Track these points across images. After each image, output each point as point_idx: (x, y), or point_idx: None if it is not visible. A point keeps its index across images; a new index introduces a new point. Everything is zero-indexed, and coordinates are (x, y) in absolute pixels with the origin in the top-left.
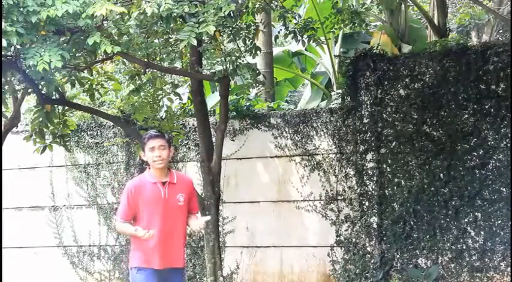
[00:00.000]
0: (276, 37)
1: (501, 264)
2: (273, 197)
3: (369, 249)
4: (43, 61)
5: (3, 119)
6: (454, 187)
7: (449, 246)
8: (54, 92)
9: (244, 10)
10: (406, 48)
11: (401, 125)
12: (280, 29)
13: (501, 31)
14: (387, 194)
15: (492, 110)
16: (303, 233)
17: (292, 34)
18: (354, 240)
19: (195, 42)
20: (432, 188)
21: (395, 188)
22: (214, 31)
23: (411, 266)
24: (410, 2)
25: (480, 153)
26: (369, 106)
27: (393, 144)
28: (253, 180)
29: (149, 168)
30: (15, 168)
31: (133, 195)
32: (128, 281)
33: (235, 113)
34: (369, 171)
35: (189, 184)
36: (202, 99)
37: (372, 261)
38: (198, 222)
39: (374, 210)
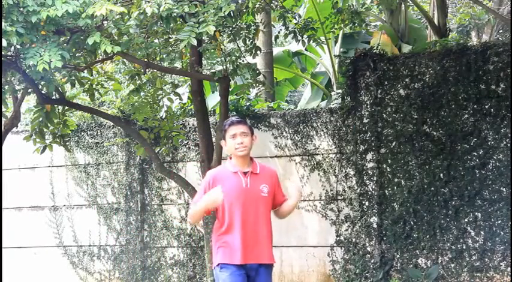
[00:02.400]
0: (276, 37)
1: (501, 264)
2: None
3: (369, 249)
4: (43, 61)
5: (3, 119)
6: (454, 187)
7: (449, 246)
8: (54, 92)
9: (244, 10)
10: (406, 48)
11: (401, 125)
12: (280, 29)
13: (501, 31)
14: (387, 194)
15: (492, 110)
16: (303, 233)
17: (292, 34)
18: (354, 240)
19: (195, 42)
20: (432, 188)
21: (395, 188)
22: (214, 31)
23: (411, 266)
24: (410, 2)
25: (480, 153)
26: (369, 106)
27: (393, 144)
28: None
29: (230, 158)
30: (15, 168)
31: (211, 185)
32: (128, 280)
33: (235, 113)
34: (369, 171)
35: (273, 175)
36: (202, 99)
37: (372, 261)
38: (293, 190)
39: (374, 210)
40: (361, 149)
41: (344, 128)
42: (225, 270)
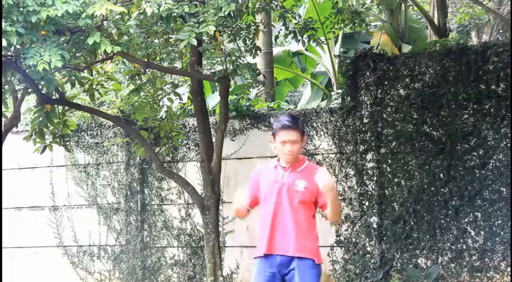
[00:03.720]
0: (276, 37)
1: (501, 264)
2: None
3: (369, 249)
4: (43, 61)
5: (3, 119)
6: (454, 187)
7: (449, 246)
8: (54, 92)
9: (244, 10)
10: (406, 48)
11: (401, 125)
12: (280, 29)
13: (501, 31)
14: (387, 194)
15: (492, 110)
16: None
17: (292, 34)
18: (354, 240)
19: (195, 42)
20: (432, 188)
21: (395, 188)
22: (214, 31)
23: (411, 266)
24: (410, 2)
25: (480, 153)
26: (369, 106)
27: (393, 144)
28: None
29: (278, 159)
30: (15, 168)
31: (256, 178)
32: (128, 280)
33: (235, 113)
34: (369, 171)
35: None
36: (202, 99)
37: (372, 261)
38: (321, 178)
39: (374, 210)
40: (361, 149)
41: (344, 128)
42: (255, 267)
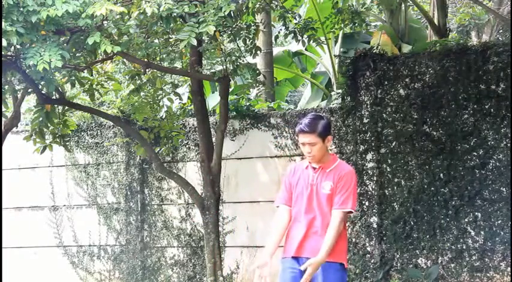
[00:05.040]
0: (276, 37)
1: (501, 264)
2: (273, 197)
3: (369, 249)
4: (43, 61)
5: (3, 119)
6: (454, 187)
7: (449, 246)
8: (54, 92)
9: (244, 10)
10: (406, 48)
11: (401, 125)
12: (280, 29)
13: (501, 31)
14: (387, 194)
15: (492, 110)
16: None
17: (292, 34)
18: (353, 240)
19: (195, 42)
20: (432, 188)
21: (395, 188)
22: (214, 31)
23: (411, 266)
24: (411, 2)
25: (480, 153)
26: (369, 106)
27: (393, 144)
28: (253, 180)
29: None
30: (15, 168)
31: (290, 177)
32: (128, 280)
33: (235, 113)
34: (369, 171)
35: (340, 174)
36: (202, 99)
37: (372, 261)
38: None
39: (374, 210)
40: (361, 149)
41: (344, 128)
42: (281, 265)
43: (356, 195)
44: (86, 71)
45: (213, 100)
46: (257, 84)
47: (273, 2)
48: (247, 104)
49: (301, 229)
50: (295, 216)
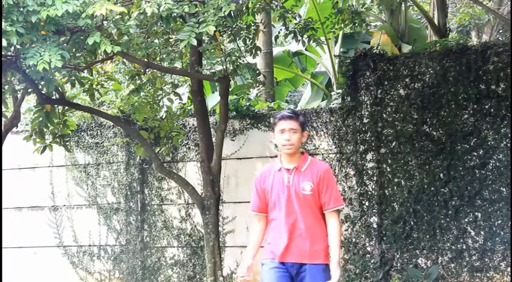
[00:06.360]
0: (276, 37)
1: (501, 264)
2: None
3: (369, 249)
4: (43, 61)
5: (3, 119)
6: (454, 187)
7: (449, 246)
8: (54, 92)
9: (244, 10)
10: (406, 48)
11: (401, 125)
12: (280, 29)
13: (501, 31)
14: (387, 194)
15: (492, 110)
16: None
17: (292, 34)
18: (354, 240)
19: (195, 42)
20: (432, 188)
21: (395, 188)
22: (214, 31)
23: (411, 266)
24: (411, 2)
25: (480, 153)
26: (369, 106)
27: (393, 144)
28: (253, 180)
29: (280, 155)
30: (15, 168)
31: (259, 183)
32: (128, 280)
33: (235, 113)
34: (369, 171)
35: (319, 172)
36: (202, 99)
37: (372, 261)
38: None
39: (374, 210)
40: (361, 149)
41: (344, 128)
42: (265, 266)
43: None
44: (86, 71)
45: (213, 100)
46: (257, 84)
47: (273, 2)
48: (247, 104)
49: (283, 234)
50: (275, 221)
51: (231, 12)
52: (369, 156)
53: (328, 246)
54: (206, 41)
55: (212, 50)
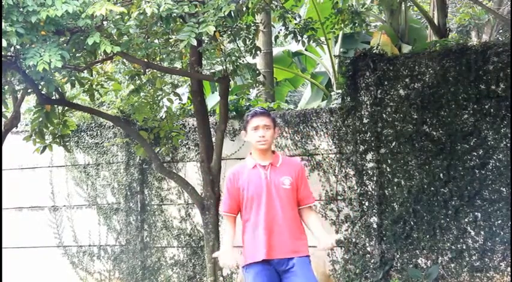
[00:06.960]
0: (276, 37)
1: (501, 264)
2: None
3: (369, 249)
4: (43, 61)
5: (3, 119)
6: (454, 187)
7: (449, 246)
8: (54, 92)
9: (244, 10)
10: (406, 48)
11: (401, 125)
12: (280, 29)
13: (501, 31)
14: (387, 194)
15: (492, 110)
16: None
17: (292, 34)
18: (353, 240)
19: (195, 42)
20: (432, 188)
21: (395, 188)
22: (214, 31)
23: (411, 266)
24: (411, 2)
25: (480, 153)
26: (368, 106)
27: (393, 144)
28: None
29: (250, 153)
30: (15, 168)
31: (233, 183)
32: (128, 280)
33: (235, 113)
34: (369, 171)
35: (297, 168)
36: (202, 99)
37: (372, 261)
38: (326, 241)
39: (374, 210)
40: (361, 149)
41: (344, 128)
42: (250, 270)
43: None
44: (85, 71)
45: (213, 100)
46: (257, 85)
47: (273, 2)
48: (247, 104)
49: (262, 231)
50: (249, 221)
51: (231, 12)
52: (369, 156)
53: (307, 239)
54: (206, 41)
55: (212, 50)
